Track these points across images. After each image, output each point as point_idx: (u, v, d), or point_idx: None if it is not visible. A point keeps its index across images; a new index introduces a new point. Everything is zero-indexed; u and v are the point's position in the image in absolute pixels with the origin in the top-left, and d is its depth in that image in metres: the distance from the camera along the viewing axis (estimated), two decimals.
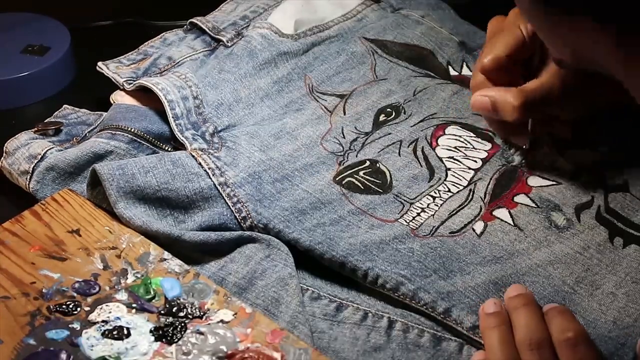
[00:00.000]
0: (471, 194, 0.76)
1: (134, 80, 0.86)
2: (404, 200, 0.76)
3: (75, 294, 0.66)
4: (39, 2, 0.99)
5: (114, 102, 0.86)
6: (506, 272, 0.70)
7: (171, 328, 0.64)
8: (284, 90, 0.86)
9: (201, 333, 0.63)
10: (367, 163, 0.79)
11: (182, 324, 0.64)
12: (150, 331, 0.63)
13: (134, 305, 0.65)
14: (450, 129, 0.82)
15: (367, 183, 0.77)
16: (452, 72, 0.90)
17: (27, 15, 0.98)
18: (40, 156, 0.78)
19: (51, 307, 0.65)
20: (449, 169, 0.78)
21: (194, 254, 0.71)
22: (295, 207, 0.74)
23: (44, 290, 0.66)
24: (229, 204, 0.74)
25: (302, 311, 0.67)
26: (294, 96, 0.86)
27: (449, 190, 0.77)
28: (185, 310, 0.65)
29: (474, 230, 0.73)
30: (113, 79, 0.87)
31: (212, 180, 0.75)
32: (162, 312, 0.65)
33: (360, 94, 0.86)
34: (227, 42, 0.90)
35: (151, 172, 0.73)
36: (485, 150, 0.80)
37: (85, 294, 0.66)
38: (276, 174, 0.77)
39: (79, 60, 0.95)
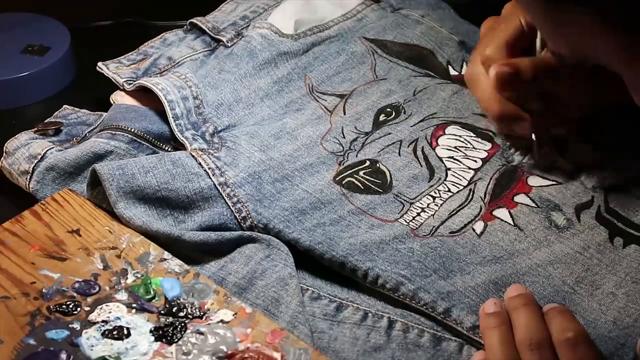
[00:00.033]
0: (471, 193, 0.76)
1: (134, 81, 0.86)
2: (404, 200, 0.76)
3: (75, 294, 0.66)
4: (39, 2, 0.99)
5: (114, 102, 0.86)
6: (506, 272, 0.70)
7: (171, 328, 0.64)
8: (284, 90, 0.86)
9: (201, 333, 0.63)
10: (367, 163, 0.79)
11: (182, 324, 0.64)
12: (150, 331, 0.63)
13: (134, 305, 0.65)
14: (450, 129, 0.82)
15: (367, 183, 0.77)
16: (452, 72, 0.90)
17: (27, 15, 0.98)
18: (40, 156, 0.78)
19: (51, 307, 0.65)
20: (449, 169, 0.78)
21: (194, 254, 0.71)
22: (295, 207, 0.74)
23: (44, 290, 0.66)
24: (229, 204, 0.74)
25: (302, 311, 0.67)
26: (294, 96, 0.86)
27: (449, 190, 0.77)
28: (185, 310, 0.65)
29: (474, 230, 0.73)
30: (113, 79, 0.87)
31: (212, 180, 0.75)
32: (162, 312, 0.65)
33: (360, 94, 0.86)
34: (227, 42, 0.90)
35: (151, 172, 0.73)
36: (485, 150, 0.80)
37: (85, 294, 0.66)
38: (276, 174, 0.77)
39: (79, 60, 0.95)
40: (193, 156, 0.76)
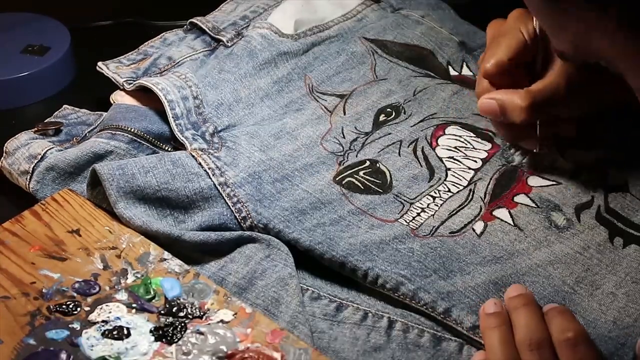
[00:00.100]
0: (471, 194, 0.76)
1: (134, 80, 0.86)
2: (404, 200, 0.76)
3: (75, 294, 0.66)
4: (39, 2, 0.99)
5: (114, 102, 0.86)
6: (506, 272, 0.70)
7: (171, 328, 0.64)
8: (284, 90, 0.86)
9: (201, 333, 0.63)
10: (367, 163, 0.79)
11: (182, 324, 0.64)
12: (150, 331, 0.63)
13: (134, 305, 0.65)
14: (450, 129, 0.82)
15: (367, 183, 0.77)
16: (452, 72, 0.90)
17: (27, 15, 0.98)
18: (40, 156, 0.78)
19: (51, 307, 0.65)
20: (449, 169, 0.78)
21: (194, 254, 0.71)
22: (295, 207, 0.74)
23: (44, 290, 0.66)
24: (229, 204, 0.74)
25: (302, 311, 0.67)
26: (294, 96, 0.86)
27: (449, 190, 0.77)
28: (185, 310, 0.65)
29: (474, 230, 0.73)
30: (113, 79, 0.87)
31: (212, 180, 0.75)
32: (162, 312, 0.65)
33: (360, 94, 0.86)
34: (227, 42, 0.90)
35: (151, 172, 0.73)
36: (485, 150, 0.80)
37: (85, 294, 0.66)
38: (276, 174, 0.77)
39: (79, 60, 0.95)
40: (193, 156, 0.76)
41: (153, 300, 0.66)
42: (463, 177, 0.78)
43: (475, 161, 0.79)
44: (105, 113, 0.85)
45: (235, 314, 0.65)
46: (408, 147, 0.81)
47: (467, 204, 0.75)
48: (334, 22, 0.94)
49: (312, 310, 0.69)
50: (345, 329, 0.68)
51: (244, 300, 0.67)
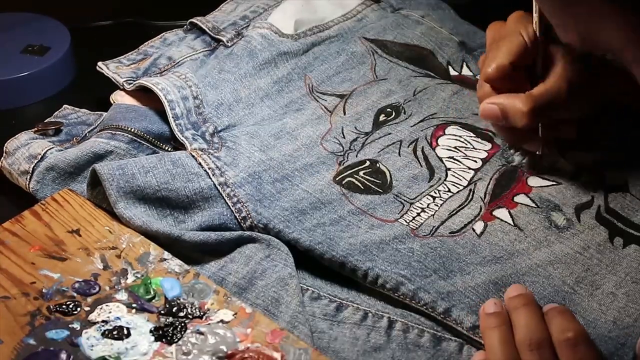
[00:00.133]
0: (471, 194, 0.76)
1: (134, 80, 0.86)
2: (404, 200, 0.76)
3: (75, 294, 0.66)
4: (39, 2, 0.99)
5: (114, 102, 0.86)
6: (506, 272, 0.70)
7: (171, 328, 0.64)
8: (284, 90, 0.86)
9: (201, 333, 0.63)
10: (367, 163, 0.79)
11: (182, 324, 0.64)
12: (150, 331, 0.63)
13: (134, 305, 0.65)
14: (450, 129, 0.82)
15: (367, 183, 0.77)
16: (452, 72, 0.90)
17: (27, 15, 0.98)
18: (40, 156, 0.78)
19: (51, 307, 0.65)
20: (449, 169, 0.78)
21: (194, 254, 0.71)
22: (295, 207, 0.74)
23: (44, 290, 0.66)
24: (229, 204, 0.74)
25: (302, 311, 0.67)
26: (294, 96, 0.86)
27: (449, 190, 0.77)
28: (185, 310, 0.65)
29: (474, 230, 0.73)
30: (113, 79, 0.87)
31: (212, 180, 0.75)
32: (162, 312, 0.65)
33: (360, 94, 0.86)
34: (227, 42, 0.90)
35: (151, 172, 0.73)
36: (485, 150, 0.80)
37: (85, 294, 0.66)
38: (276, 174, 0.77)
39: (79, 60, 0.95)
40: (193, 156, 0.76)
41: (153, 300, 0.66)
42: (463, 177, 0.78)
43: (475, 161, 0.79)
44: (105, 113, 0.85)
45: (235, 314, 0.65)
46: (408, 147, 0.81)
47: (467, 204, 0.75)
48: (334, 22, 0.94)
49: (312, 310, 0.69)
50: (345, 329, 0.68)
51: (244, 300, 0.67)
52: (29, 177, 0.77)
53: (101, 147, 0.78)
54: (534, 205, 0.75)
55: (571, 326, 0.62)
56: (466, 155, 0.80)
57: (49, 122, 0.84)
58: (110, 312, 0.65)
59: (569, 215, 0.74)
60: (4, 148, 0.80)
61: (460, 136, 0.82)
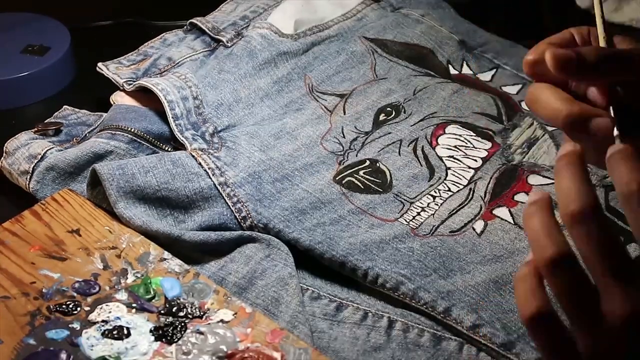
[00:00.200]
0: (471, 193, 0.76)
1: (134, 81, 0.86)
2: (404, 199, 0.76)
3: (75, 294, 0.66)
4: (39, 2, 0.99)
5: (114, 103, 0.86)
6: (506, 270, 0.70)
7: (171, 328, 0.64)
8: (284, 90, 0.86)
9: (201, 333, 0.63)
10: (367, 162, 0.79)
11: (182, 324, 0.64)
12: (150, 331, 0.63)
13: (134, 305, 0.65)
14: (451, 128, 0.82)
15: (367, 182, 0.77)
16: (452, 71, 0.90)
17: (27, 15, 0.98)
18: (40, 156, 0.78)
19: (51, 307, 0.65)
20: (449, 168, 0.78)
21: (194, 254, 0.71)
22: (295, 206, 0.74)
23: (44, 290, 0.66)
24: (229, 203, 0.74)
25: (302, 311, 0.67)
26: (294, 96, 0.86)
27: (449, 190, 0.77)
28: (185, 310, 0.65)
29: (474, 229, 0.73)
30: (113, 80, 0.87)
31: (212, 180, 0.75)
32: (162, 312, 0.65)
33: (360, 94, 0.86)
34: (227, 43, 0.90)
35: (151, 172, 0.73)
36: (486, 149, 0.80)
37: (85, 293, 0.66)
38: (276, 173, 0.77)
39: (79, 60, 0.95)
40: (193, 156, 0.76)
41: (153, 300, 0.66)
42: (463, 176, 0.78)
43: (476, 160, 0.79)
44: (105, 113, 0.85)
45: (235, 313, 0.65)
46: (408, 146, 0.81)
47: (467, 203, 0.75)
48: (333, 22, 0.94)
49: (312, 310, 0.69)
50: (345, 328, 0.68)
51: (244, 300, 0.67)
52: (29, 177, 0.77)
53: (101, 147, 0.78)
54: None
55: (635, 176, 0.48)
56: (466, 154, 0.80)
57: (49, 123, 0.84)
58: (110, 312, 0.65)
59: None
60: (4, 148, 0.80)
61: (460, 135, 0.82)
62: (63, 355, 0.62)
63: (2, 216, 0.73)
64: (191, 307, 0.65)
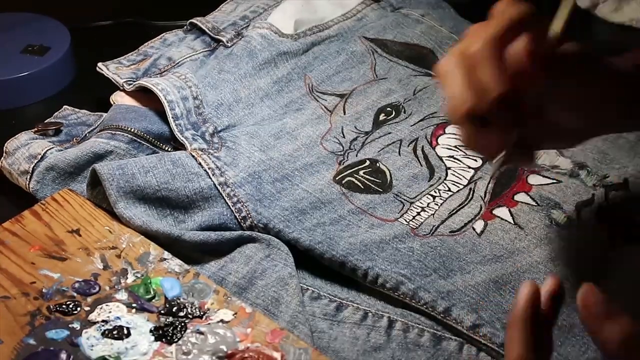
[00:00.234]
0: (471, 193, 0.76)
1: (134, 81, 0.86)
2: (404, 199, 0.76)
3: (75, 294, 0.66)
4: (39, 2, 0.99)
5: (114, 103, 0.86)
6: (507, 270, 0.70)
7: (171, 328, 0.64)
8: (284, 90, 0.86)
9: (201, 333, 0.63)
10: (367, 162, 0.79)
11: (182, 324, 0.64)
12: (150, 331, 0.63)
13: (134, 305, 0.65)
14: (451, 128, 0.82)
15: (367, 182, 0.77)
16: None
17: (27, 15, 0.98)
18: (40, 156, 0.78)
19: (51, 307, 0.65)
20: (449, 168, 0.78)
21: (194, 254, 0.71)
22: (295, 206, 0.74)
23: (44, 290, 0.66)
24: (229, 203, 0.74)
25: (302, 311, 0.67)
26: (294, 96, 0.86)
27: (449, 190, 0.77)
28: (185, 310, 0.65)
29: (474, 229, 0.73)
30: (113, 80, 0.87)
31: (212, 180, 0.75)
32: (162, 311, 0.65)
33: (360, 94, 0.86)
34: (227, 43, 0.90)
35: (151, 172, 0.73)
36: None
37: (85, 293, 0.66)
38: (276, 173, 0.77)
39: (79, 60, 0.95)
40: (193, 156, 0.76)
41: (153, 300, 0.66)
42: (463, 176, 0.78)
43: (476, 160, 0.79)
44: (105, 113, 0.85)
45: (235, 313, 0.65)
46: (408, 146, 0.81)
47: (467, 203, 0.75)
48: (333, 22, 0.94)
49: (312, 310, 0.69)
50: (345, 328, 0.68)
51: (244, 300, 0.67)
52: (29, 177, 0.77)
53: (101, 147, 0.78)
54: (534, 203, 0.75)
55: None
56: (466, 154, 0.80)
57: (49, 123, 0.84)
58: (110, 312, 0.65)
59: (569, 213, 0.74)
60: (4, 148, 0.80)
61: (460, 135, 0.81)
62: (63, 355, 0.62)
63: (2, 216, 0.73)
64: (191, 307, 0.65)
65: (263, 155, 0.78)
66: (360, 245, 0.71)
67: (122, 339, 0.63)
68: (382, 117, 0.84)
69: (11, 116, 0.90)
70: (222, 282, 0.69)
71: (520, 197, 0.75)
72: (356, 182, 0.77)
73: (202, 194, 0.74)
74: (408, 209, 0.75)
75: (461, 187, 0.77)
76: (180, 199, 0.73)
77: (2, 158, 0.80)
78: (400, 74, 0.88)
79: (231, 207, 0.74)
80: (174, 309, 0.65)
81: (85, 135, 0.83)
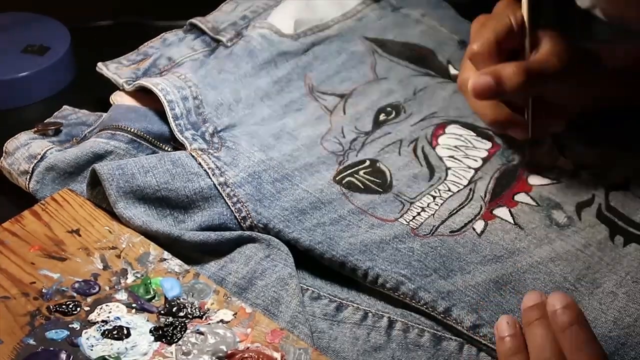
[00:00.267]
0: (471, 193, 0.76)
1: (134, 81, 0.86)
2: (404, 199, 0.76)
3: (75, 294, 0.66)
4: (39, 2, 0.99)
5: (114, 103, 0.86)
6: (507, 270, 0.70)
7: (171, 328, 0.63)
8: (284, 90, 0.86)
9: (201, 333, 0.63)
10: (367, 162, 0.79)
11: (182, 324, 0.64)
12: (150, 331, 0.63)
13: (133, 305, 0.65)
14: (451, 128, 0.82)
15: (367, 182, 0.77)
16: (452, 71, 0.90)
17: (27, 15, 0.98)
18: (40, 156, 0.78)
19: (51, 307, 0.65)
20: (449, 168, 0.78)
21: (194, 254, 0.71)
22: (295, 206, 0.74)
23: (43, 290, 0.66)
24: (229, 203, 0.74)
25: (302, 311, 0.67)
26: (294, 96, 0.86)
27: (449, 190, 0.77)
28: (185, 310, 0.65)
29: (474, 229, 0.73)
30: (113, 80, 0.87)
31: (212, 180, 0.75)
32: (162, 312, 0.65)
33: (360, 94, 0.86)
34: (227, 42, 0.90)
35: (151, 172, 0.73)
36: (486, 149, 0.80)
37: (85, 294, 0.66)
38: (276, 173, 0.77)
39: (79, 60, 0.95)
40: (193, 156, 0.76)
41: (153, 300, 0.66)
42: (463, 176, 0.78)
43: (476, 160, 0.79)
44: (105, 113, 0.85)
45: (235, 314, 0.65)
46: (408, 146, 0.81)
47: (467, 203, 0.75)
48: (333, 22, 0.94)
49: (312, 310, 0.69)
50: (345, 328, 0.67)
51: (244, 300, 0.67)
52: (28, 177, 0.77)
53: (101, 147, 0.78)
54: (534, 203, 0.75)
55: (584, 345, 0.58)
56: (466, 154, 0.80)
57: (49, 122, 0.84)
58: (110, 312, 0.65)
59: (569, 213, 0.74)
60: (4, 148, 0.80)
61: (460, 135, 0.81)
62: (63, 355, 0.62)
63: (2, 216, 0.73)
64: (191, 307, 0.65)
65: (263, 155, 0.78)
66: (361, 245, 0.71)
67: (122, 339, 0.63)
68: (382, 117, 0.84)
69: (11, 116, 0.90)
70: (222, 282, 0.69)
71: (521, 197, 0.75)
72: (356, 182, 0.77)
73: (202, 194, 0.74)
74: (408, 209, 0.75)
75: (461, 187, 0.77)
76: (180, 199, 0.73)
77: (2, 158, 0.80)
78: (401, 74, 0.88)
79: (231, 207, 0.74)
80: (174, 309, 0.65)
81: (85, 135, 0.83)
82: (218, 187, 0.74)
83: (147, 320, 0.64)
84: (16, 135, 0.81)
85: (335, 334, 0.67)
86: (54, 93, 0.92)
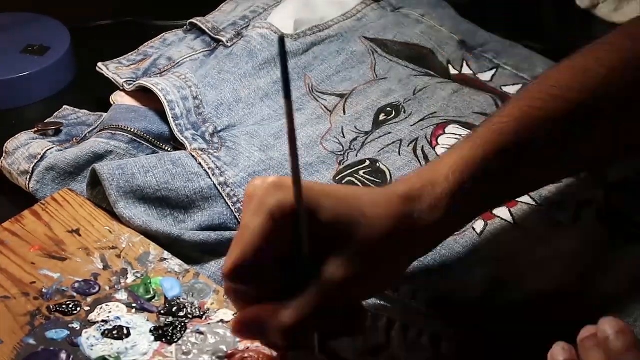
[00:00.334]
0: None
1: (134, 81, 0.86)
2: None
3: (75, 294, 0.66)
4: (39, 2, 0.99)
5: (114, 103, 0.86)
6: (507, 270, 0.70)
7: (171, 328, 0.64)
8: None
9: (201, 333, 0.63)
10: (367, 162, 0.79)
11: (182, 324, 0.64)
12: (150, 331, 0.63)
13: (134, 305, 0.65)
14: (451, 128, 0.82)
15: (367, 182, 0.77)
16: (452, 71, 0.90)
17: (27, 15, 0.98)
18: (40, 156, 0.78)
19: (51, 307, 0.65)
20: None
21: (194, 253, 0.71)
22: None
23: (44, 290, 0.66)
24: (229, 203, 0.74)
25: None
26: (294, 96, 0.86)
27: None
28: (185, 310, 0.65)
29: (474, 229, 0.73)
30: (113, 80, 0.87)
31: (212, 180, 0.75)
32: (162, 311, 0.65)
33: (360, 94, 0.86)
34: (227, 43, 0.90)
35: (151, 172, 0.73)
36: None
37: (85, 293, 0.66)
38: (276, 173, 0.77)
39: (79, 60, 0.95)
40: (193, 156, 0.76)
41: (153, 300, 0.66)
42: None
43: None
44: (105, 113, 0.85)
45: (235, 313, 0.65)
46: (408, 146, 0.80)
47: None
48: (333, 22, 0.94)
49: None
50: None
51: None
52: (28, 177, 0.77)
53: (101, 147, 0.78)
54: (534, 203, 0.75)
55: None
56: None
57: (49, 122, 0.84)
58: (110, 312, 0.65)
59: (569, 213, 0.74)
60: (4, 148, 0.80)
61: (460, 135, 0.81)
62: (63, 355, 0.62)
63: (2, 216, 0.73)
64: (191, 307, 0.65)
65: (263, 155, 0.78)
66: None
67: (122, 339, 0.63)
68: (382, 117, 0.84)
69: (11, 116, 0.90)
70: (222, 282, 0.69)
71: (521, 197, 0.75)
72: (356, 182, 0.77)
73: (202, 194, 0.74)
74: None
75: None
76: (180, 199, 0.73)
77: (2, 158, 0.80)
78: (400, 74, 0.88)
79: (231, 207, 0.74)
80: (174, 309, 0.65)
81: (85, 135, 0.83)
82: (218, 187, 0.74)
83: (147, 320, 0.64)
84: (16, 135, 0.81)
85: None
86: (54, 93, 0.92)
